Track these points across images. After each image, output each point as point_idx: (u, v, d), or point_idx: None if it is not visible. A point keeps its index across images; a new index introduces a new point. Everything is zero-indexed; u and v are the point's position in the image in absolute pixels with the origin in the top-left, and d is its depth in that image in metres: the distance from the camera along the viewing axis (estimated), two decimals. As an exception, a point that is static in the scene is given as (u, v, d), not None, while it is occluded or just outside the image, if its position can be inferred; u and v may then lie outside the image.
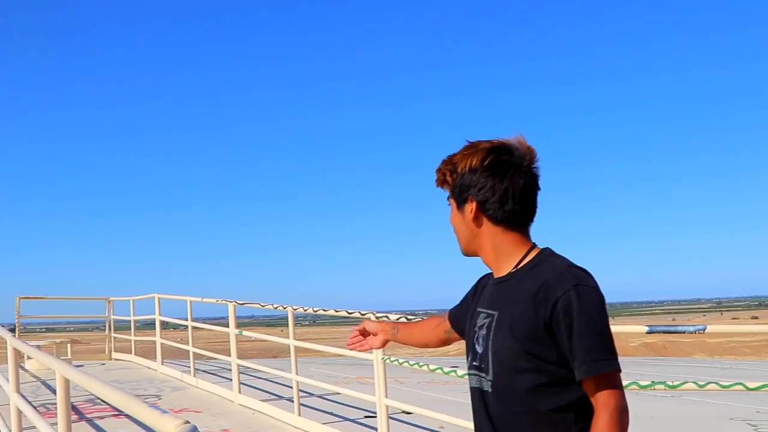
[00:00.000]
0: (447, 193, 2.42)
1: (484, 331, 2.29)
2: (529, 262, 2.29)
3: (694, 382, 5.43)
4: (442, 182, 2.40)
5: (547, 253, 2.31)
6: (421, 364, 6.79)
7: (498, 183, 2.27)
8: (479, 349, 2.30)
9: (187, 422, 2.46)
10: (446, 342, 2.81)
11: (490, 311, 2.31)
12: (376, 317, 7.05)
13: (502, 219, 2.30)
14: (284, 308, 9.12)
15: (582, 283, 2.16)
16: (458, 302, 2.70)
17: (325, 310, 8.70)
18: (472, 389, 2.36)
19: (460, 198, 2.35)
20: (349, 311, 8.01)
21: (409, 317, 7.02)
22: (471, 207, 2.32)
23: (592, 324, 2.11)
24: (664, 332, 5.44)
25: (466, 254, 2.41)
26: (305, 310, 8.91)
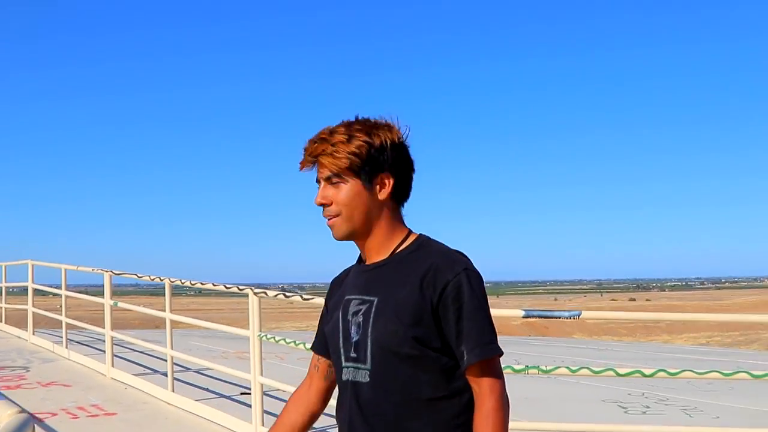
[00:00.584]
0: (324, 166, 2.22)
1: (360, 318, 2.16)
2: (408, 246, 2.22)
3: (567, 367, 5.50)
4: (348, 155, 2.16)
5: (425, 238, 2.26)
6: (297, 342, 6.65)
7: (410, 162, 2.24)
8: (354, 337, 2.16)
9: (22, 411, 2.28)
10: (330, 390, 2.44)
11: (366, 297, 2.18)
12: (254, 292, 6.89)
13: (400, 200, 2.25)
14: (161, 280, 8.85)
15: (470, 267, 2.13)
16: (317, 331, 2.48)
17: (203, 284, 8.50)
18: (342, 383, 2.22)
19: (371, 173, 2.18)
20: (227, 286, 7.83)
21: (287, 293, 6.89)
22: (388, 183, 2.20)
23: (481, 308, 2.10)
24: (540, 317, 5.46)
25: (350, 236, 2.22)
26: (182, 283, 8.68)
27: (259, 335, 6.93)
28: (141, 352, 12.05)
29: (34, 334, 13.49)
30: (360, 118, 2.23)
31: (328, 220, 2.21)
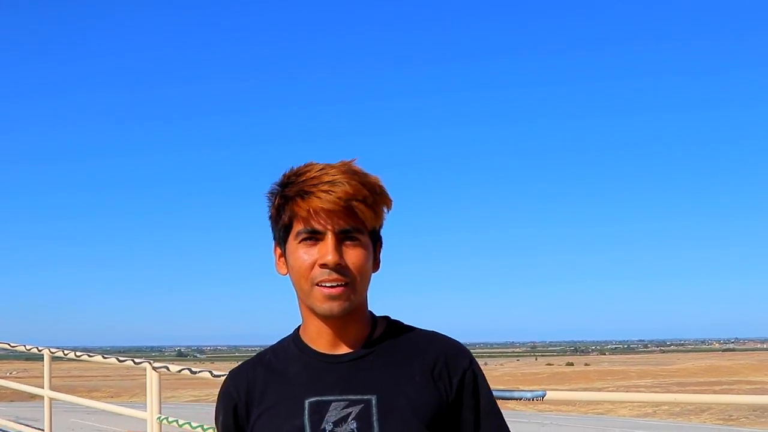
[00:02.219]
0: (347, 226, 1.82)
1: (353, 425, 1.79)
2: (384, 331, 1.94)
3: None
4: (382, 212, 1.88)
5: (394, 321, 1.97)
6: (206, 427, 6.23)
7: None
8: None
9: None
10: None
11: (355, 397, 1.82)
12: (153, 367, 6.48)
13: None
14: (39, 351, 8.34)
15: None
16: None
17: (90, 355, 8.04)
18: None
19: (376, 237, 1.91)
20: (120, 358, 7.39)
21: (193, 369, 6.48)
22: (378, 254, 1.94)
23: (495, 402, 1.93)
24: (499, 398, 5.17)
25: (348, 312, 1.84)
26: (65, 354, 8.20)
27: (159, 418, 6.50)
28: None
29: None
30: (356, 167, 1.86)
31: (334, 286, 1.81)
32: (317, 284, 1.81)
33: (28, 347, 8.74)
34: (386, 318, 1.97)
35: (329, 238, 1.80)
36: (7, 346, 9.32)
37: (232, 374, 1.98)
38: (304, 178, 1.81)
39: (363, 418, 1.79)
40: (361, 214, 1.80)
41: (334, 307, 1.81)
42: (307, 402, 1.83)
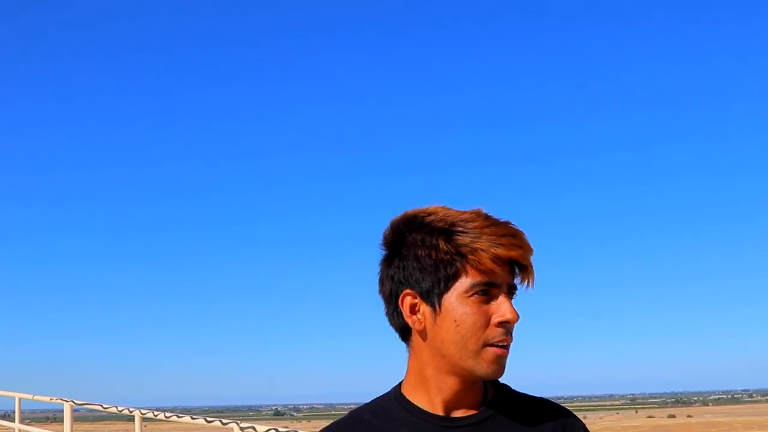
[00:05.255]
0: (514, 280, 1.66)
1: None
2: (495, 395, 1.73)
3: None
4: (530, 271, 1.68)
5: (502, 385, 1.78)
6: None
7: None
8: None
9: None
10: None
11: None
12: (241, 427, 6.36)
13: None
14: (130, 412, 8.30)
15: None
16: None
17: (179, 416, 7.96)
18: None
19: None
20: (209, 419, 7.31)
21: (280, 430, 6.35)
22: None
23: None
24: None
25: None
26: (155, 415, 8.16)
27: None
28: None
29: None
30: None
31: (502, 347, 1.62)
32: (490, 344, 1.60)
33: (119, 408, 8.72)
34: (494, 381, 1.76)
35: (504, 294, 1.61)
36: (100, 408, 9.33)
37: None
38: (477, 225, 1.61)
39: None
40: (531, 272, 1.65)
41: (500, 370, 1.62)
42: None
